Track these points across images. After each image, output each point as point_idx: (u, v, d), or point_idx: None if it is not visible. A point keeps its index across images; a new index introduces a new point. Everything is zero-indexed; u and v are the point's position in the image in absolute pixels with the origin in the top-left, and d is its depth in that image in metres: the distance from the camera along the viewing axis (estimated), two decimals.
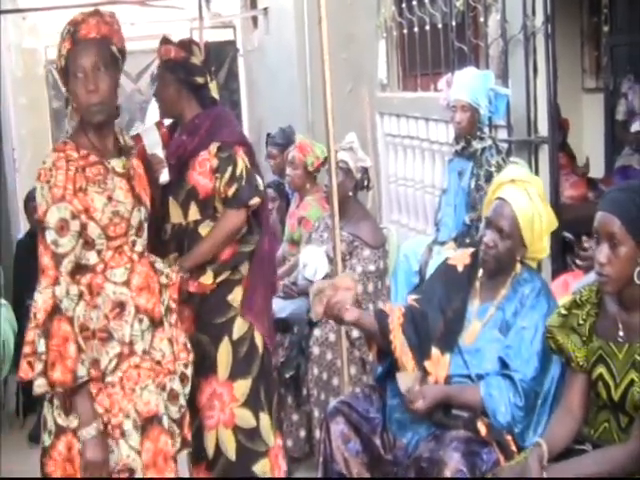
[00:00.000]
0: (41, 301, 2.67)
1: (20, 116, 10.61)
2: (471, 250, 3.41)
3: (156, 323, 2.90)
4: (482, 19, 5.79)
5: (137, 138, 3.48)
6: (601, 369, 2.78)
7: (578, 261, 3.77)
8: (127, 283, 2.83)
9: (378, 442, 3.21)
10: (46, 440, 2.83)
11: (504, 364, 3.08)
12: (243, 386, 3.68)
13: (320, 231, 4.90)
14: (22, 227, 6.42)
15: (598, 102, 7.13)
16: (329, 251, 4.50)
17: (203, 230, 3.61)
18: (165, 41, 3.72)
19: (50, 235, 2.70)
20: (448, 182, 5.26)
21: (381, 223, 6.73)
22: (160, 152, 3.54)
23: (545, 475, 2.66)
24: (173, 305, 3.03)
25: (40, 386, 2.68)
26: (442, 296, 3.31)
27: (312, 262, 4.71)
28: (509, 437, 3.01)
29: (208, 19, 10.49)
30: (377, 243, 4.70)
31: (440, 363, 3.19)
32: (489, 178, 4.66)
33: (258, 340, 3.73)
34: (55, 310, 2.66)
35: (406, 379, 3.14)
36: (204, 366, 3.63)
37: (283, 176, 5.99)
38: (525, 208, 3.14)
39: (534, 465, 2.68)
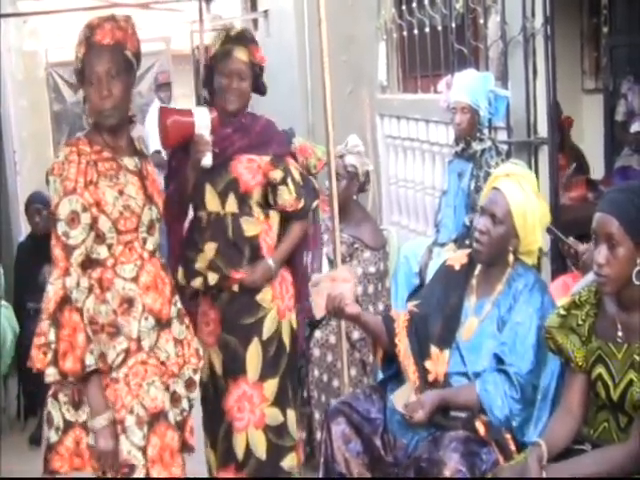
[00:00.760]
0: (52, 292, 2.72)
1: (21, 119, 10.62)
2: (468, 250, 3.43)
3: (162, 324, 2.91)
4: (482, 21, 5.80)
5: (188, 112, 3.53)
6: (600, 369, 2.78)
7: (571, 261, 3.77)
8: (136, 279, 2.86)
9: (379, 443, 3.22)
10: (52, 437, 2.85)
11: (500, 360, 3.11)
12: (272, 385, 3.70)
13: None
14: (23, 230, 6.43)
15: (598, 103, 7.14)
16: (329, 253, 4.51)
17: (245, 224, 3.65)
18: (254, 41, 3.75)
19: (61, 227, 2.74)
20: (448, 183, 5.27)
21: (381, 225, 6.72)
22: (207, 135, 3.53)
23: (544, 475, 2.66)
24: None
25: (51, 375, 2.71)
26: (440, 296, 3.35)
27: None
28: (508, 436, 3.03)
29: (208, 22, 10.51)
30: (377, 245, 4.71)
31: (439, 360, 3.22)
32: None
33: (285, 337, 3.75)
34: (65, 300, 2.71)
35: (401, 396, 3.15)
36: (233, 367, 3.67)
37: None
38: (518, 197, 3.18)
39: (533, 465, 2.68)
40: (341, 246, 4.22)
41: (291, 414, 3.76)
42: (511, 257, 3.22)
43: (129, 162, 2.91)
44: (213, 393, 3.75)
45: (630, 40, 6.85)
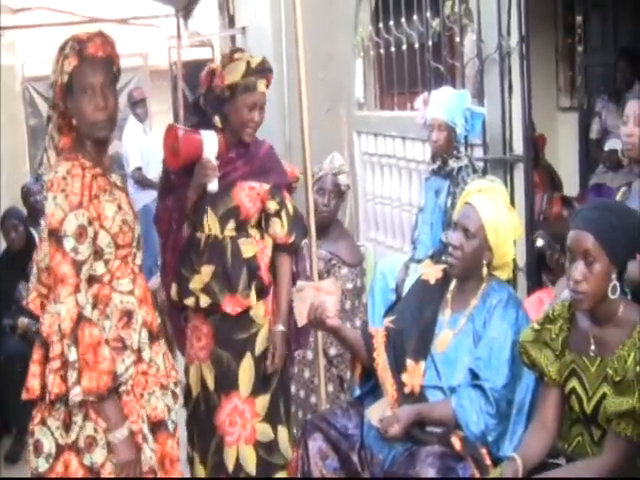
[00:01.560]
0: (64, 310, 2.64)
1: None
2: (443, 265, 3.46)
3: (153, 337, 2.92)
4: (458, 39, 5.85)
5: (196, 134, 3.56)
6: (574, 383, 2.82)
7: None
8: (132, 293, 2.85)
9: (356, 459, 3.23)
10: (42, 465, 2.78)
11: (475, 375, 3.13)
12: (264, 401, 3.70)
13: None
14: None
15: (573, 121, 7.21)
16: (306, 269, 4.52)
17: (243, 246, 3.67)
18: (271, 70, 3.75)
19: (69, 243, 2.68)
20: (425, 200, 5.29)
21: (358, 241, 6.75)
22: (214, 160, 3.57)
23: None
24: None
25: (78, 394, 2.65)
26: (415, 309, 3.38)
27: None
28: (484, 450, 3.04)
29: (186, 38, 10.52)
30: (355, 261, 4.72)
31: (415, 372, 3.24)
32: None
33: None
34: (80, 318, 2.66)
35: (377, 411, 3.17)
36: (225, 382, 3.67)
37: None
38: (490, 211, 3.23)
39: None
40: (318, 262, 4.23)
41: (282, 431, 3.76)
42: (485, 270, 3.26)
43: (116, 178, 2.92)
44: (205, 408, 3.75)
45: (604, 59, 6.94)
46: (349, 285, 4.61)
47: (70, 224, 2.68)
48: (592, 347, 2.79)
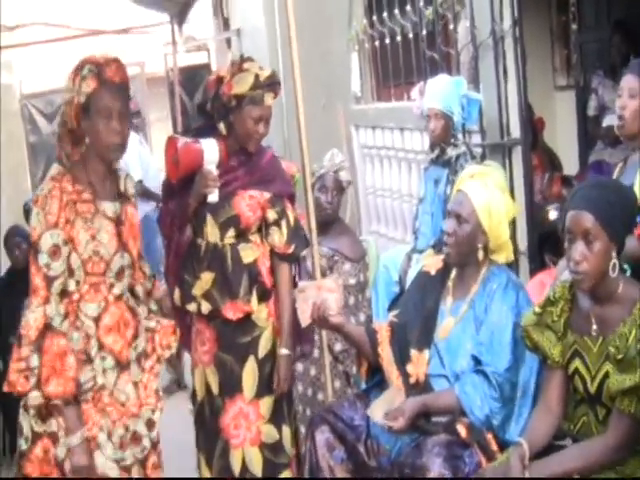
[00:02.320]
0: (32, 319, 2.80)
1: None
2: (443, 255, 3.45)
3: (122, 365, 2.99)
4: (452, 26, 5.82)
5: (197, 145, 3.57)
6: (577, 363, 2.80)
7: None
8: (97, 320, 2.93)
9: (362, 449, 3.26)
10: (22, 445, 2.96)
11: (477, 361, 3.14)
12: (268, 403, 3.70)
13: None
14: (2, 264, 6.37)
15: (570, 99, 7.19)
16: (309, 266, 4.51)
17: (243, 251, 3.66)
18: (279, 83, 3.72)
19: (43, 259, 2.82)
20: (425, 190, 5.26)
21: (360, 234, 6.75)
22: (214, 170, 3.57)
23: (527, 473, 2.67)
24: (160, 351, 3.13)
25: (35, 398, 2.82)
26: (417, 301, 3.39)
27: None
28: (489, 436, 3.04)
29: (182, 43, 10.54)
30: (357, 257, 4.72)
31: (419, 361, 3.25)
32: None
33: None
34: (46, 327, 2.80)
35: (378, 408, 3.16)
36: (229, 386, 3.68)
37: None
38: (481, 195, 3.24)
39: (516, 465, 2.70)
40: (321, 259, 4.24)
41: (286, 431, 3.76)
42: (481, 254, 3.25)
43: (108, 207, 2.96)
44: (209, 412, 3.75)
45: (599, 36, 6.91)
46: (352, 280, 4.61)
47: (45, 241, 2.82)
48: (594, 327, 2.78)
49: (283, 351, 3.67)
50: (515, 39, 5.14)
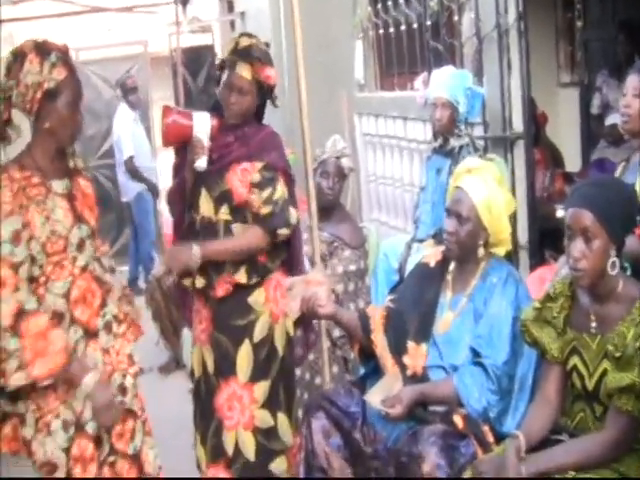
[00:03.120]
0: (4, 308, 2.75)
1: None
2: (443, 247, 3.47)
3: (90, 334, 2.98)
4: (456, 18, 5.83)
5: (188, 115, 3.61)
6: (575, 360, 2.83)
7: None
8: (67, 295, 2.92)
9: (358, 436, 3.25)
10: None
11: (476, 353, 3.15)
12: (263, 388, 3.71)
13: None
14: None
15: (573, 96, 7.20)
16: (309, 252, 4.53)
17: (237, 229, 3.64)
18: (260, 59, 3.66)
19: (5, 247, 2.78)
20: (426, 180, 5.29)
21: (361, 222, 6.77)
22: (205, 140, 3.59)
23: (523, 466, 2.69)
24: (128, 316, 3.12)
25: (20, 379, 2.75)
26: (416, 292, 3.40)
27: None
28: (486, 427, 3.07)
29: (186, 24, 10.52)
30: (357, 243, 4.74)
31: (417, 353, 3.26)
32: None
33: (278, 341, 3.75)
34: (22, 312, 2.76)
35: (376, 394, 3.18)
36: (224, 367, 3.69)
37: None
38: (480, 192, 3.24)
39: (512, 457, 2.72)
40: (321, 245, 4.25)
41: (282, 418, 3.76)
42: (482, 250, 3.27)
43: (58, 185, 2.95)
44: (205, 390, 3.77)
45: (604, 34, 6.91)
46: (352, 267, 4.63)
47: (5, 230, 2.79)
48: (593, 324, 2.81)
49: (194, 245, 3.56)
50: (520, 33, 5.16)
